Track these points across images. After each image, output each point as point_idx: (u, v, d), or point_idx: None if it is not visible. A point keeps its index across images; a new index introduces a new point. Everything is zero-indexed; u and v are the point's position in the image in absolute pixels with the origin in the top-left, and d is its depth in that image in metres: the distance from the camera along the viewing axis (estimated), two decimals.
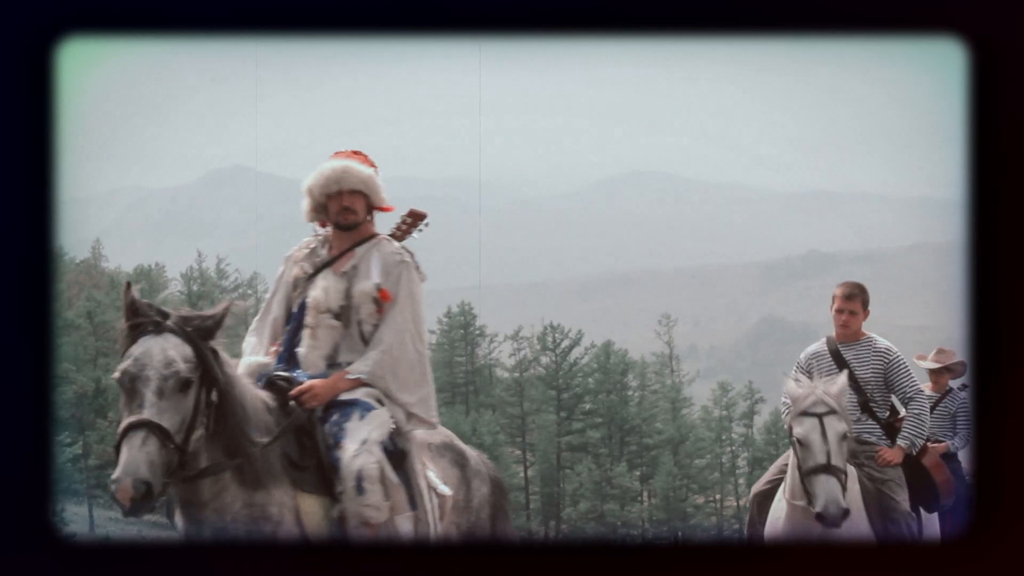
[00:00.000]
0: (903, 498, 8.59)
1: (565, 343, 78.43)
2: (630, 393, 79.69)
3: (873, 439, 8.87)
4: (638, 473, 76.35)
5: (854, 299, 9.09)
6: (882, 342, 9.09)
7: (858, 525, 8.11)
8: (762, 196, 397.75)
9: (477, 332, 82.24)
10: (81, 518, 59.36)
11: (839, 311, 9.13)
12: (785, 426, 8.43)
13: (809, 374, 8.88)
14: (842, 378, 8.31)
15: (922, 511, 8.91)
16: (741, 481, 76.62)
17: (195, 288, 79.05)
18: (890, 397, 9.14)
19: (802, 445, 7.99)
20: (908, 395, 8.97)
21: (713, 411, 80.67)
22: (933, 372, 11.89)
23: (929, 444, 9.78)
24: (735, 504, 76.13)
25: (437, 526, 6.45)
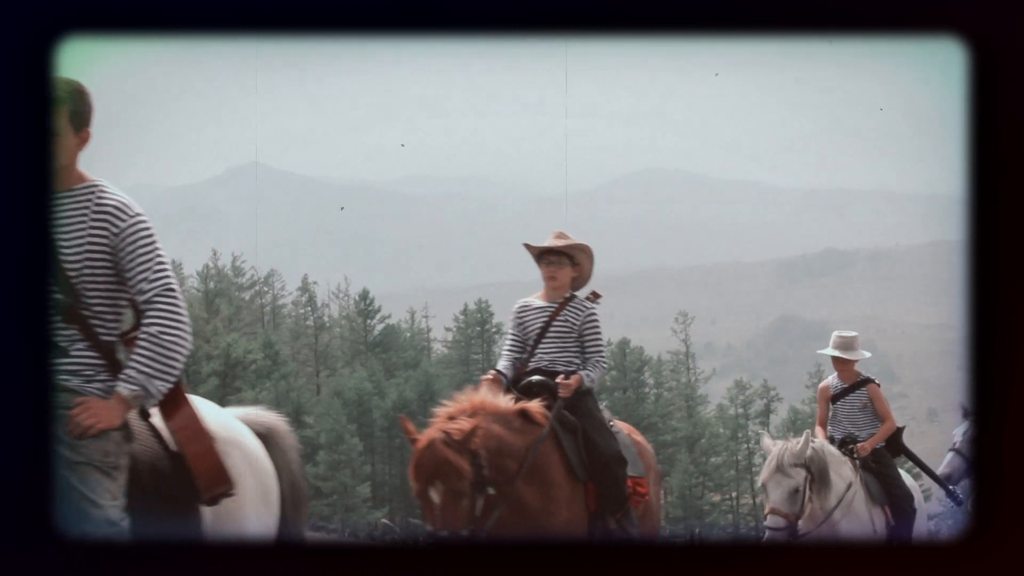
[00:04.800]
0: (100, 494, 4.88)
1: None
2: (646, 391, 79.67)
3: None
4: None
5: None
6: None
7: None
8: (779, 194, 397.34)
9: (494, 330, 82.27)
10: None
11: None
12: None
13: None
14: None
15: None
16: (757, 479, 76.40)
17: (211, 286, 79.18)
18: None
19: None
20: None
21: (729, 409, 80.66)
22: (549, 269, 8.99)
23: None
24: (751, 501, 76.08)
25: None
